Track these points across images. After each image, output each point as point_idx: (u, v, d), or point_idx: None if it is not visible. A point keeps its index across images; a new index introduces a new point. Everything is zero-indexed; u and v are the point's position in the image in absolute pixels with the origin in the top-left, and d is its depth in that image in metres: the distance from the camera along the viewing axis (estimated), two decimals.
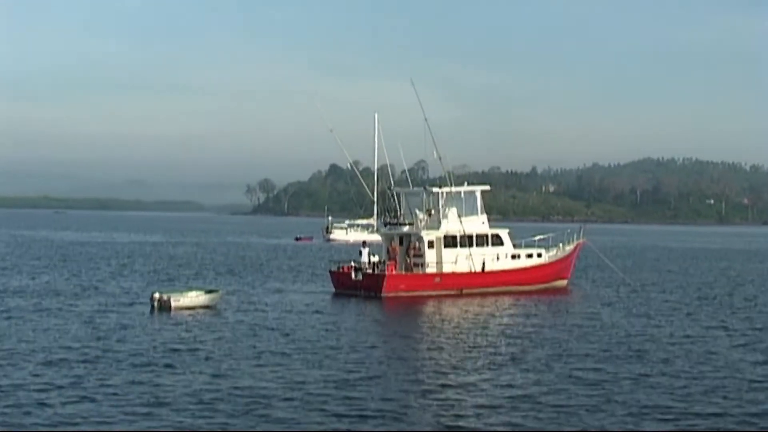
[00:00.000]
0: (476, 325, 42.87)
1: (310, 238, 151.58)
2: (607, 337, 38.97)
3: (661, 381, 28.68)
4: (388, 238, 59.90)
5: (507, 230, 62.71)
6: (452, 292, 57.35)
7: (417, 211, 60.19)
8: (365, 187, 63.73)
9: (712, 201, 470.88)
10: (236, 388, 26.79)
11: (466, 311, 49.05)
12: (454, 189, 60.89)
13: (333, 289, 58.58)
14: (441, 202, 59.92)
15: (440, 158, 60.94)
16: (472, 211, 60.89)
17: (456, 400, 25.94)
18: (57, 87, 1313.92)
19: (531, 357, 33.46)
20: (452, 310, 49.94)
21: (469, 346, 36.14)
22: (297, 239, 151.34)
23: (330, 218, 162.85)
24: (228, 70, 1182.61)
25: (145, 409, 24.06)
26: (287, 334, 38.41)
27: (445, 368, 30.94)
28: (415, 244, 58.54)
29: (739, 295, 60.19)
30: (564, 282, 65.25)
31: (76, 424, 22.54)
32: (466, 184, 63.35)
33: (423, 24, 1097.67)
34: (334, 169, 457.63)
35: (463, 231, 58.96)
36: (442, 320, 45.57)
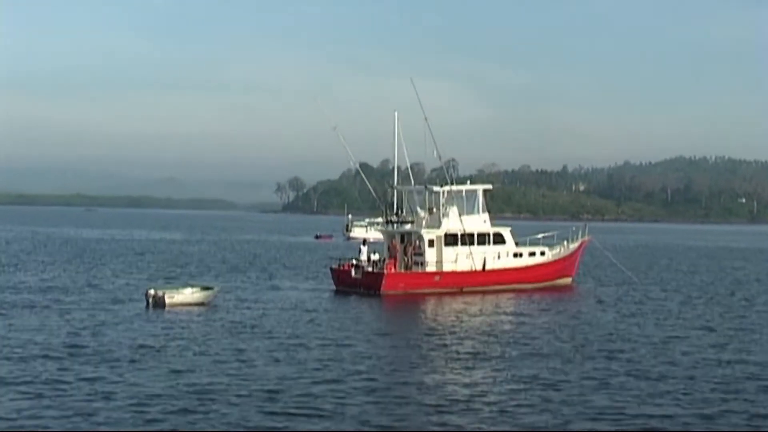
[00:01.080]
0: (465, 324, 42.82)
1: (330, 237, 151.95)
2: (587, 335, 38.83)
3: (622, 381, 28.50)
4: (389, 236, 60.02)
5: (509, 228, 62.59)
6: (452, 291, 57.38)
7: (418, 210, 60.34)
8: (368, 185, 63.62)
9: (743, 200, 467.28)
10: (187, 384, 26.74)
11: (461, 310, 48.94)
12: (455, 187, 60.84)
13: (334, 287, 58.85)
14: (442, 201, 59.93)
15: (440, 157, 60.90)
16: (474, 210, 60.82)
17: (413, 397, 26.04)
18: (93, 85, 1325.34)
19: (496, 354, 33.59)
20: (447, 308, 49.97)
21: (447, 344, 36.16)
22: (317, 237, 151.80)
23: (350, 216, 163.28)
24: (261, 67, 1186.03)
25: (82, 405, 24.18)
26: (270, 332, 38.52)
27: (420, 365, 31.10)
28: (415, 243, 58.62)
29: (739, 295, 59.66)
30: (568, 280, 65.13)
31: (13, 420, 22.64)
32: (471, 186, 62.98)
33: (454, 22, 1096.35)
34: (363, 167, 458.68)
35: (464, 229, 58.95)
36: (434, 319, 45.51)
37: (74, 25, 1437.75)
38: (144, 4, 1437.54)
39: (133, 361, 30.59)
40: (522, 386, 27.53)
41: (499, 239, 61.05)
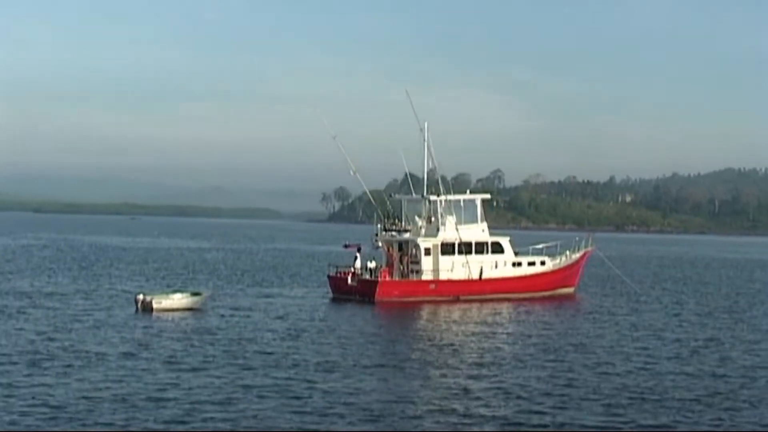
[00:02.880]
0: (448, 331, 43.78)
1: (358, 246, 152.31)
2: (558, 345, 39.26)
3: (569, 392, 28.77)
4: (387, 245, 60.62)
5: (508, 238, 62.88)
6: (448, 299, 57.81)
7: (417, 219, 60.90)
8: (368, 194, 64.28)
9: None
10: (114, 394, 27.02)
11: (451, 318, 49.68)
12: (453, 197, 61.38)
13: (331, 294, 59.57)
14: (439, 210, 60.44)
15: (436, 167, 61.42)
16: (472, 219, 61.32)
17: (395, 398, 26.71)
18: (141, 96, 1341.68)
19: (454, 362, 34.28)
20: (438, 316, 50.65)
21: (423, 350, 37.10)
22: (345, 246, 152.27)
23: (379, 225, 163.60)
24: (309, 78, 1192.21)
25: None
26: (248, 338, 39.37)
27: (387, 370, 32.04)
28: (412, 251, 59.20)
29: (738, 308, 59.51)
30: (570, 289, 65.27)
31: None
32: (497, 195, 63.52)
33: (500, 31, 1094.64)
34: (410, 177, 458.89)
35: (461, 238, 59.37)
36: (420, 326, 46.65)
37: (124, 38, 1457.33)
38: (192, 18, 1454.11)
39: (85, 366, 31.44)
40: (497, 392, 28.43)
41: (497, 248, 61.41)
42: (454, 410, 25.86)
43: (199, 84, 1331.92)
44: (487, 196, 63.84)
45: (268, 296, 59.16)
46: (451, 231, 59.63)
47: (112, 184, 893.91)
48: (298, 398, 27.08)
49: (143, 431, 23.08)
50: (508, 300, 58.53)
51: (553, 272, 63.75)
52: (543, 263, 63.86)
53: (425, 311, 52.89)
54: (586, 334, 43.56)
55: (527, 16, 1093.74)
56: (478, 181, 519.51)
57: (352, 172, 61.95)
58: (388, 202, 63.76)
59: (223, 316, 47.41)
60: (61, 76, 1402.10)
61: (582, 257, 66.15)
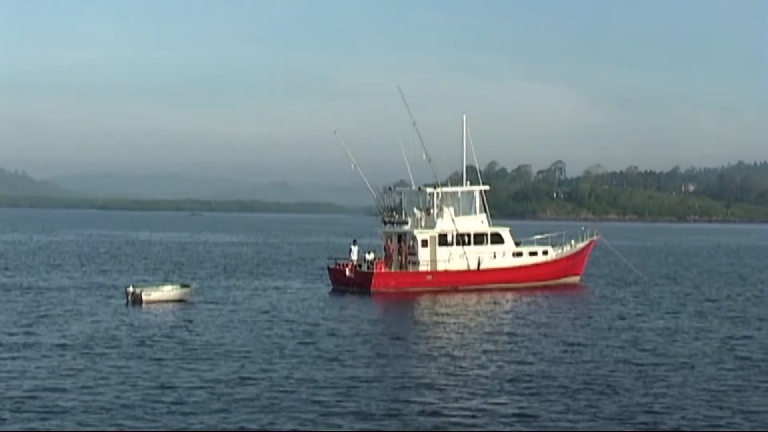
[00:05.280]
0: (441, 320, 44.91)
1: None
2: (540, 336, 39.67)
3: (528, 384, 28.87)
4: (387, 236, 61.51)
5: (508, 228, 63.38)
6: (446, 289, 58.52)
7: (415, 210, 61.69)
8: (367, 184, 64.84)
9: None
10: (58, 388, 27.46)
11: (445, 307, 50.47)
12: (450, 189, 62.13)
13: (331, 286, 60.65)
14: (436, 202, 61.18)
15: (429, 160, 62.10)
16: (471, 211, 61.98)
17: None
18: (207, 92, 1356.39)
19: (453, 350, 35.31)
20: (434, 306, 51.47)
21: (408, 338, 38.22)
22: None
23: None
24: (374, 73, 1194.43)
25: None
26: (233, 327, 40.55)
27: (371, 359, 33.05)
28: (409, 243, 60.03)
29: (732, 292, 59.43)
30: (576, 278, 65.72)
31: None
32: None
33: (567, 23, 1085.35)
34: (470, 170, 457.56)
35: (458, 229, 60.02)
36: (414, 315, 47.65)
37: (192, 36, 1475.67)
38: (262, 16, 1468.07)
39: (46, 356, 32.59)
40: (483, 379, 29.22)
41: (497, 239, 61.95)
42: (443, 398, 26.52)
43: (266, 79, 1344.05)
44: (486, 187, 64.24)
45: (265, 288, 60.26)
46: (448, 222, 60.32)
47: (177, 181, 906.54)
48: (280, 388, 27.80)
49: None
50: (508, 290, 59.11)
51: (555, 261, 64.14)
52: (546, 253, 64.23)
53: (421, 301, 53.62)
54: (578, 321, 44.50)
55: (594, 6, 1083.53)
56: (539, 172, 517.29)
57: (352, 166, 62.73)
58: (388, 194, 64.14)
59: (215, 307, 48.63)
60: (127, 73, 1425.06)
61: (587, 246, 66.46)
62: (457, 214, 61.06)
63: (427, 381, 29.04)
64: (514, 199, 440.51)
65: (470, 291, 58.57)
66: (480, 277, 60.47)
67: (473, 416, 24.41)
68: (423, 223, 60.88)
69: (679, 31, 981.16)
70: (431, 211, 61.36)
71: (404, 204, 63.04)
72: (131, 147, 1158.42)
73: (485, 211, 62.55)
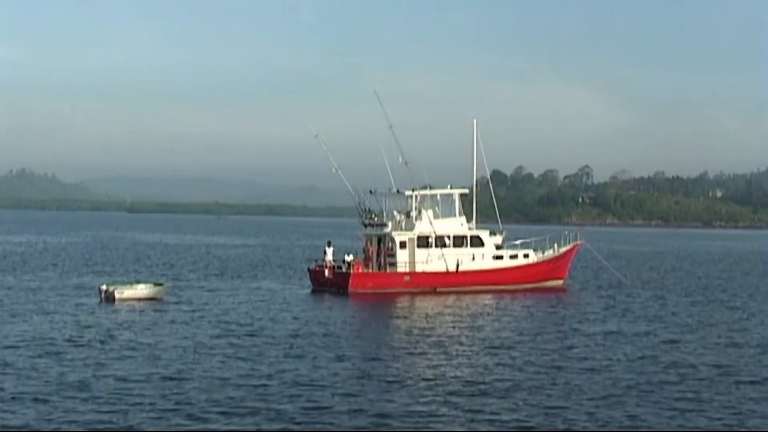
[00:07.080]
0: (414, 321, 45.49)
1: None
2: (506, 335, 40.15)
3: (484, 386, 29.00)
4: (367, 238, 62.25)
5: (488, 231, 63.91)
6: (424, 291, 59.16)
7: (395, 213, 62.43)
8: (348, 187, 65.43)
9: None
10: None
11: (421, 308, 51.17)
12: (429, 192, 62.77)
13: (311, 286, 61.47)
14: (414, 204, 61.88)
15: (406, 163, 62.80)
16: (450, 213, 62.61)
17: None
18: (237, 95, 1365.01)
19: (418, 349, 35.93)
20: (408, 306, 52.33)
21: (377, 338, 38.99)
22: None
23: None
24: (403, 77, 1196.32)
25: None
26: (205, 325, 41.43)
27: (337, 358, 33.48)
28: (388, 244, 60.73)
29: (721, 296, 59.58)
30: (559, 282, 66.11)
31: None
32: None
33: (595, 26, 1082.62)
34: (496, 174, 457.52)
35: (436, 232, 60.65)
36: (389, 315, 48.17)
37: (223, 39, 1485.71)
38: (291, 20, 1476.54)
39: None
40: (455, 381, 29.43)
41: (477, 242, 62.52)
42: (419, 400, 26.70)
43: (295, 83, 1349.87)
44: (466, 191, 64.77)
45: (244, 288, 61.05)
46: (426, 225, 60.96)
47: (206, 183, 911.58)
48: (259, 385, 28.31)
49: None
50: (487, 292, 59.57)
51: (535, 265, 64.58)
52: (527, 256, 64.71)
53: (397, 302, 54.25)
54: (552, 322, 45.28)
55: (622, 9, 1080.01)
56: (566, 177, 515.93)
57: (333, 170, 63.51)
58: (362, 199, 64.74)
59: (186, 305, 49.50)
60: (156, 75, 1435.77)
61: (570, 250, 66.90)
62: (437, 216, 61.73)
63: (392, 380, 29.27)
64: (540, 203, 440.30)
65: (448, 293, 59.17)
66: (459, 278, 61.07)
67: (436, 417, 24.66)
68: (403, 226, 61.59)
69: (709, 33, 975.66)
70: (410, 213, 62.04)
71: (385, 206, 63.75)
72: (161, 150, 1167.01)
73: (474, 214, 63.83)
